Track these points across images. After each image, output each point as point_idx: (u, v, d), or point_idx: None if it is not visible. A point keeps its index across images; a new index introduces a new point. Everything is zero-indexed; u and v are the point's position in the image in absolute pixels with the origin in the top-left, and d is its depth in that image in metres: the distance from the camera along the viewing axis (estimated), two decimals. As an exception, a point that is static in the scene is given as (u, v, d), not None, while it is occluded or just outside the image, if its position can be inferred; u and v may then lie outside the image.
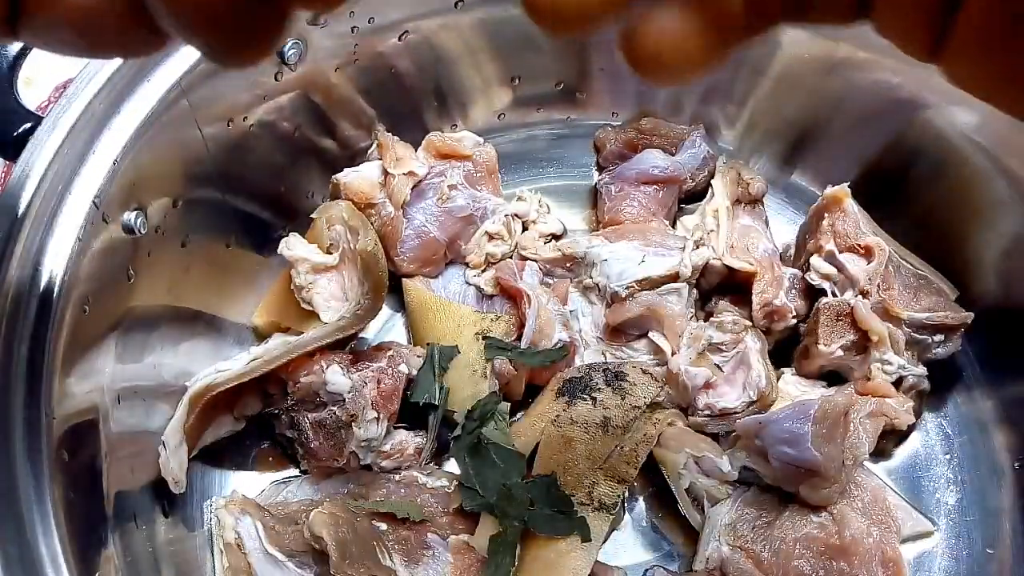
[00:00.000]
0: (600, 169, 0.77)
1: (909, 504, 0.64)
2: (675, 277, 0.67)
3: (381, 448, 0.62)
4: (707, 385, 0.64)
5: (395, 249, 0.69)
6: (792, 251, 0.73)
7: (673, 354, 0.65)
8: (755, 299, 0.67)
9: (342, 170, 0.70)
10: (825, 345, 0.65)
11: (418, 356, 0.64)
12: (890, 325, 0.65)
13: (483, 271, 0.71)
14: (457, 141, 0.71)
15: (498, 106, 0.77)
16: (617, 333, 0.68)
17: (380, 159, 0.70)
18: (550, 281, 0.70)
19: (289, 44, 0.62)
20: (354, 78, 0.69)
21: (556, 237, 0.73)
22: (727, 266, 0.68)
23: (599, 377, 0.64)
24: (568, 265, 0.70)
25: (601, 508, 0.59)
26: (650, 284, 0.67)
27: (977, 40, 0.24)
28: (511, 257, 0.71)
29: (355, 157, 0.73)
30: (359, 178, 0.69)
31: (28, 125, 0.53)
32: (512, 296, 0.69)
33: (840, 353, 0.65)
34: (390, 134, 0.71)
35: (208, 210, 0.64)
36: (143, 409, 0.59)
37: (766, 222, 0.72)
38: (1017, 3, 0.22)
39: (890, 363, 0.64)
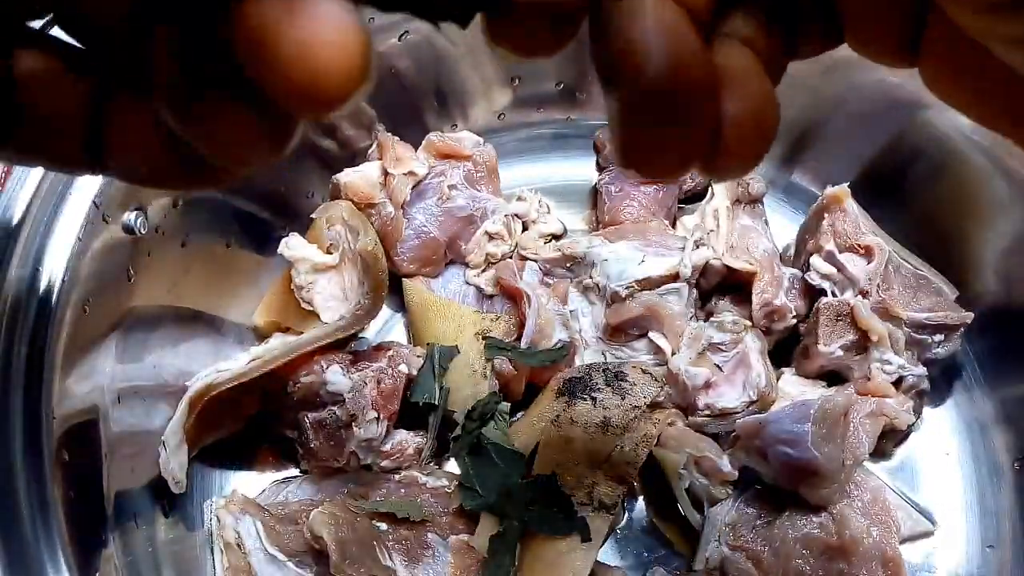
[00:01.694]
0: (600, 169, 0.78)
1: (909, 504, 0.64)
2: (675, 277, 0.67)
3: (381, 448, 0.62)
4: (707, 385, 0.64)
5: (395, 249, 0.69)
6: (792, 251, 0.73)
7: (673, 354, 0.65)
8: (755, 299, 0.67)
9: (342, 170, 0.70)
10: (825, 345, 0.65)
11: (418, 356, 0.64)
12: (890, 325, 0.65)
13: (483, 271, 0.71)
14: (457, 141, 0.71)
15: (498, 106, 0.78)
16: (617, 333, 0.68)
17: (380, 159, 0.70)
18: (550, 281, 0.70)
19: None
20: (354, 78, 0.69)
21: (556, 237, 0.73)
22: (727, 266, 0.68)
23: (599, 377, 0.64)
24: (568, 265, 0.70)
25: (601, 508, 0.59)
26: (650, 284, 0.67)
27: (945, 59, 0.25)
28: (511, 257, 0.71)
29: (355, 157, 0.73)
30: (359, 178, 0.69)
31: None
32: (512, 296, 0.69)
33: (840, 353, 0.65)
34: (390, 134, 0.71)
35: (208, 210, 0.64)
36: (143, 409, 0.59)
37: (766, 222, 0.72)
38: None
39: (890, 363, 0.64)
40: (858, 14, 0.25)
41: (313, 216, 0.68)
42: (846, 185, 0.68)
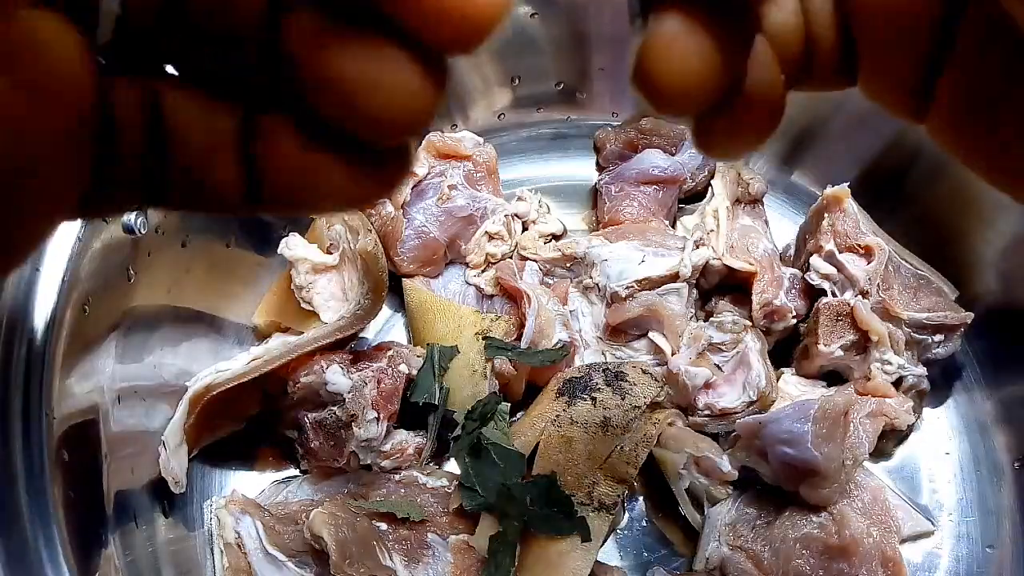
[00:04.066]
0: (600, 169, 0.77)
1: (909, 504, 0.64)
2: (675, 277, 0.67)
3: (381, 448, 0.62)
4: (707, 385, 0.64)
5: (395, 249, 0.69)
6: (792, 251, 0.73)
7: (673, 354, 0.65)
8: (755, 299, 0.67)
9: (342, 170, 0.70)
10: (825, 345, 0.65)
11: (418, 356, 0.64)
12: (890, 325, 0.65)
13: (483, 271, 0.71)
14: (457, 141, 0.71)
15: (498, 106, 0.78)
16: (617, 333, 0.68)
17: (380, 159, 0.70)
18: (550, 281, 0.70)
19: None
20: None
21: (556, 237, 0.73)
22: (727, 266, 0.68)
23: (599, 377, 0.64)
24: (568, 265, 0.70)
25: (601, 508, 0.59)
26: (650, 284, 0.67)
27: (957, 113, 0.25)
28: (511, 257, 0.71)
29: (355, 157, 0.73)
30: (359, 178, 0.69)
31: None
32: (512, 296, 0.69)
33: (840, 353, 0.65)
34: (390, 134, 0.71)
35: (208, 210, 0.64)
36: (143, 409, 0.59)
37: (766, 222, 0.72)
38: (991, 85, 0.23)
39: (890, 363, 0.64)
40: (875, 52, 0.25)
41: (313, 216, 0.68)
42: (846, 185, 0.68)
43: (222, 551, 0.58)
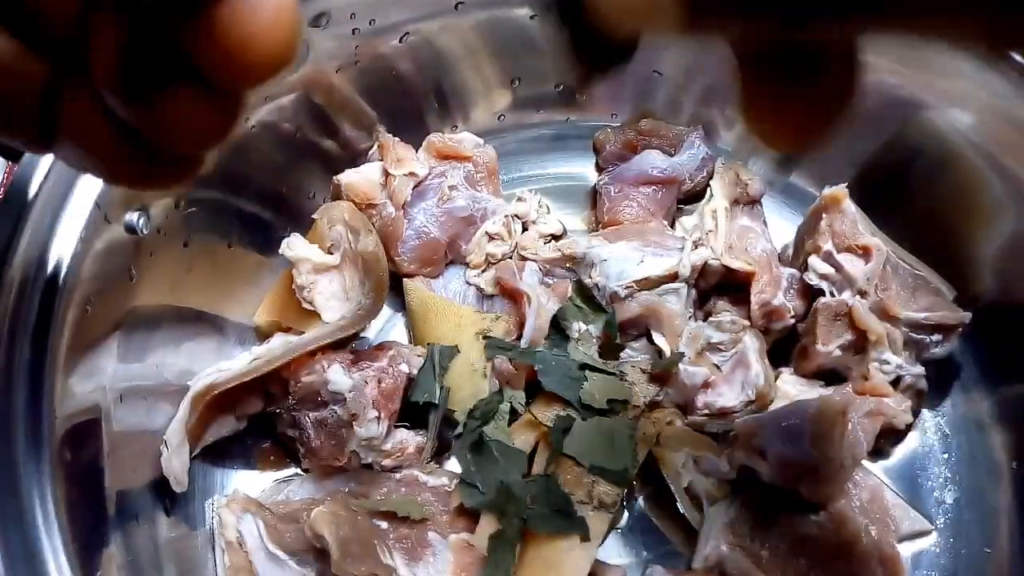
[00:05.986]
0: (599, 170, 0.78)
1: (907, 503, 0.64)
2: (674, 277, 0.67)
3: (382, 447, 0.62)
4: (706, 384, 0.65)
5: (396, 249, 0.69)
6: (790, 251, 0.73)
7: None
8: (753, 299, 0.67)
9: (343, 171, 0.70)
10: (823, 345, 0.65)
11: (419, 356, 0.64)
12: (888, 325, 0.65)
13: (483, 271, 0.71)
14: (457, 142, 0.72)
15: (498, 107, 0.78)
16: (616, 333, 0.68)
17: (381, 160, 0.71)
18: (550, 281, 0.70)
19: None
20: (355, 79, 0.69)
21: (556, 237, 0.73)
22: (726, 266, 0.68)
23: (599, 377, 0.64)
24: (568, 265, 0.70)
25: (601, 507, 0.60)
26: (649, 284, 0.67)
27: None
28: (511, 257, 0.72)
29: (356, 158, 0.73)
30: (360, 179, 0.69)
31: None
32: (512, 296, 0.69)
33: (838, 353, 0.66)
34: (391, 135, 0.71)
35: (210, 211, 0.64)
36: (145, 408, 0.59)
37: (764, 222, 0.73)
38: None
39: (888, 363, 0.64)
40: None
41: (314, 216, 0.69)
42: (844, 185, 0.68)
43: (223, 550, 0.58)
